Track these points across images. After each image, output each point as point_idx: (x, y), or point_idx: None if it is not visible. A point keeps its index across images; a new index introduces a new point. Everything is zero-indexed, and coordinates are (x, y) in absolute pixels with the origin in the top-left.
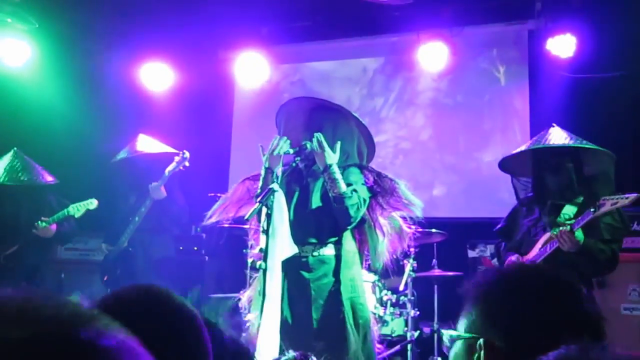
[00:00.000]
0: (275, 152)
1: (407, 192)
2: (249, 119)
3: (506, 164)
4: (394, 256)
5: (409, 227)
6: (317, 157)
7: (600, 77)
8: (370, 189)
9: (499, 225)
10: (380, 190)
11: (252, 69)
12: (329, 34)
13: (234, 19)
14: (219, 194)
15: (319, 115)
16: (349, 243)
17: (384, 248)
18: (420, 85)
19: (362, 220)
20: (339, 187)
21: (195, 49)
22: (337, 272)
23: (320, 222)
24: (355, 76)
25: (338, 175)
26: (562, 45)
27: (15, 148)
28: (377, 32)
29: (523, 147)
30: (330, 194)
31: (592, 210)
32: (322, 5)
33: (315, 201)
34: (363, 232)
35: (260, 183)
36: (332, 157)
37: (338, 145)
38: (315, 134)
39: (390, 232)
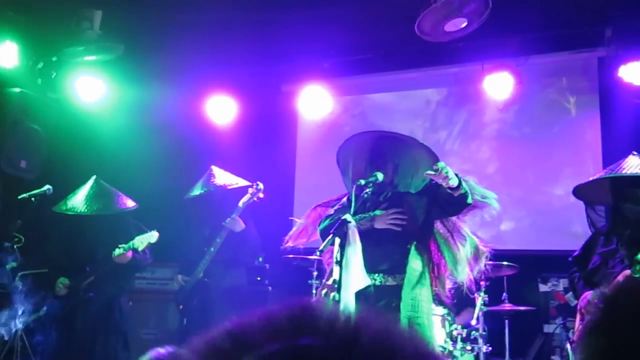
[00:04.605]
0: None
1: (477, 187)
2: (312, 150)
3: (580, 192)
4: (472, 276)
5: (485, 246)
6: (446, 182)
7: None
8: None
9: (574, 253)
10: None
11: (314, 102)
12: (391, 66)
13: (297, 54)
14: (296, 219)
15: (381, 145)
16: (415, 262)
17: (466, 254)
18: (485, 117)
19: (429, 236)
20: (465, 188)
21: (259, 83)
22: (399, 291)
23: (384, 251)
24: (418, 108)
25: (462, 181)
26: (635, 73)
27: (95, 176)
28: (440, 63)
29: (600, 174)
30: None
31: None
32: (383, 37)
33: (380, 231)
34: (436, 248)
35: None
36: (451, 173)
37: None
38: (438, 164)
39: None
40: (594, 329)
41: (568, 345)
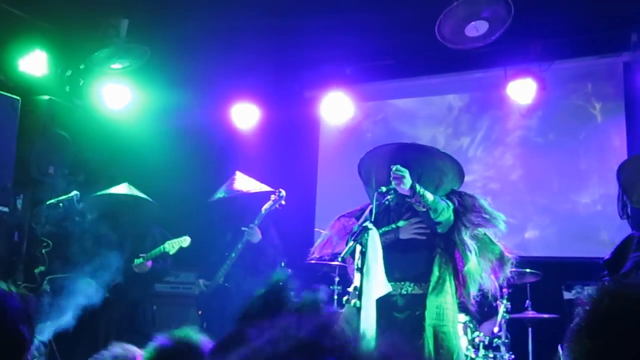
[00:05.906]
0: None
1: (487, 207)
2: (334, 155)
3: (624, 172)
4: (497, 283)
5: (510, 253)
6: (399, 186)
7: None
8: (455, 210)
9: (606, 257)
10: (463, 209)
11: (336, 108)
12: (412, 71)
13: (319, 60)
14: (322, 230)
15: (403, 155)
16: (440, 270)
17: (476, 267)
18: (508, 124)
19: (453, 245)
20: (426, 200)
21: (282, 89)
22: (424, 299)
23: (410, 260)
24: (440, 114)
25: (422, 190)
26: None
27: (126, 182)
28: (462, 69)
29: None
30: (419, 210)
31: None
32: (404, 43)
33: (405, 240)
34: (460, 256)
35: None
36: (410, 179)
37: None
38: (392, 166)
39: (492, 260)
40: (580, 331)
41: (559, 348)
